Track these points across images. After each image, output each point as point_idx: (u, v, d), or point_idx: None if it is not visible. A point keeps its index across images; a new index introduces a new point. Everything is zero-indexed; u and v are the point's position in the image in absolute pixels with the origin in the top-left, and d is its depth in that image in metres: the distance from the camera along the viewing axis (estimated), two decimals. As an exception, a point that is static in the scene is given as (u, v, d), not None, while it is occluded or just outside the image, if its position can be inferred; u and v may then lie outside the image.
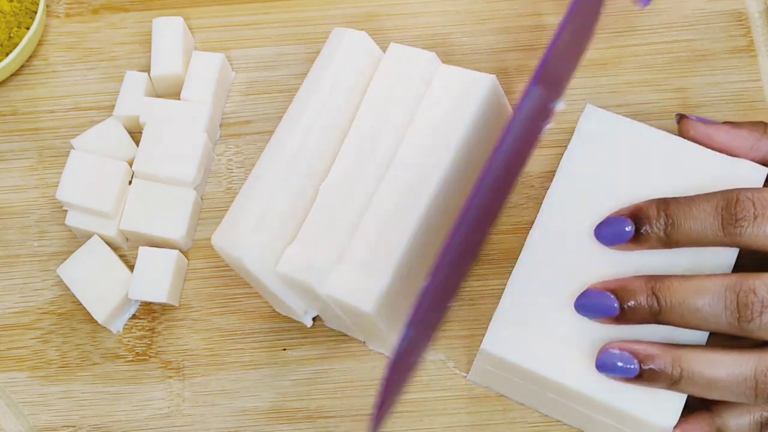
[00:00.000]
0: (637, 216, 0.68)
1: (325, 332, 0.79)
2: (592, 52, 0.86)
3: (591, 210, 0.71)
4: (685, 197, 0.67)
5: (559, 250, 0.70)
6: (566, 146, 0.73)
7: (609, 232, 0.69)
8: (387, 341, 0.75)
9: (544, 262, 0.70)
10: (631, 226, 0.67)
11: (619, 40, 0.86)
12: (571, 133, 0.74)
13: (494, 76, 0.75)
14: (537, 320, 0.69)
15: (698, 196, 0.67)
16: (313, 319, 0.79)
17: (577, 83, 0.85)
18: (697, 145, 0.73)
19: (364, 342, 0.79)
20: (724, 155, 0.72)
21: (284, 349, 0.79)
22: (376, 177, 0.74)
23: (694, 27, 0.87)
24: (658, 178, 0.71)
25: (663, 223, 0.66)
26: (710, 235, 0.66)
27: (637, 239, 0.68)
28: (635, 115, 0.83)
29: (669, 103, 0.84)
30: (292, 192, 0.74)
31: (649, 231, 0.67)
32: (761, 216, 0.64)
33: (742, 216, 0.65)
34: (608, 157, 0.73)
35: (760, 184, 0.71)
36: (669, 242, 0.67)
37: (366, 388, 0.78)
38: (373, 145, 0.74)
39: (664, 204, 0.67)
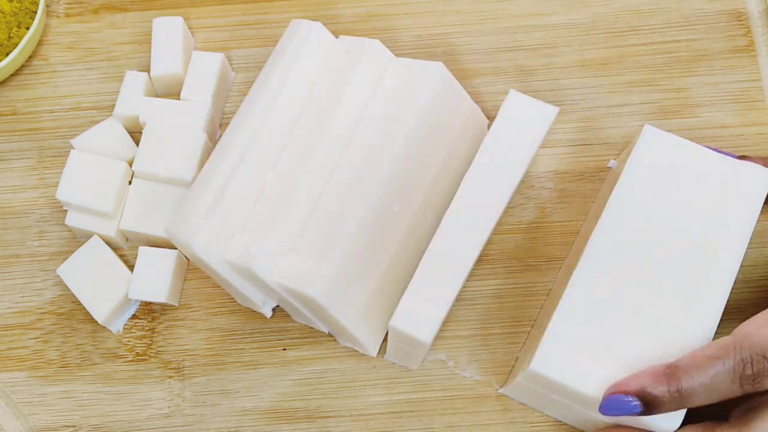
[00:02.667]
0: (644, 397, 0.64)
1: (324, 332, 0.80)
2: (593, 52, 0.86)
3: (644, 232, 0.71)
4: (694, 364, 0.65)
5: (610, 272, 0.70)
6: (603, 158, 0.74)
7: (615, 412, 0.65)
8: (347, 334, 0.75)
9: (595, 283, 0.70)
10: (637, 403, 0.65)
11: (619, 40, 0.86)
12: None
13: (441, 63, 0.75)
14: (586, 341, 0.68)
15: (709, 361, 0.64)
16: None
17: (578, 83, 0.85)
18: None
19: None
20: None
21: (284, 349, 0.79)
22: (323, 166, 0.74)
23: (694, 27, 0.87)
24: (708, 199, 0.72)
25: (676, 399, 0.64)
26: (726, 394, 0.65)
27: (648, 411, 0.65)
28: (635, 115, 0.83)
29: (669, 103, 0.84)
30: (244, 181, 0.74)
31: (660, 406, 0.65)
32: None
33: (760, 374, 0.64)
34: (665, 179, 0.72)
35: (765, 186, 0.72)
36: (681, 407, 0.65)
37: (366, 387, 0.78)
38: (321, 134, 0.75)
39: (674, 380, 0.64)
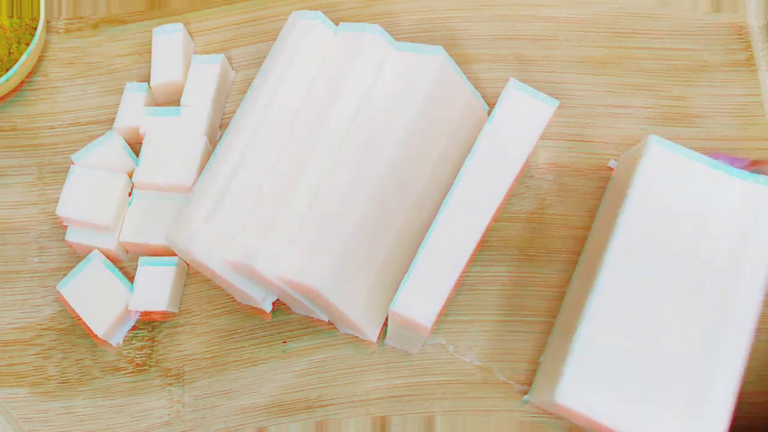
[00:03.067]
0: None
1: (324, 320, 0.79)
2: (592, 50, 0.86)
3: (660, 257, 0.70)
4: None
5: (627, 297, 0.69)
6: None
7: None
8: (348, 322, 0.74)
9: (612, 310, 0.69)
10: None
11: (618, 41, 0.87)
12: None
13: (441, 47, 0.75)
14: (608, 372, 0.67)
15: None
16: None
17: (577, 80, 0.85)
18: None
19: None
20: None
21: (284, 342, 0.79)
22: (324, 158, 0.74)
23: (695, 37, 0.87)
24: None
25: None
26: None
27: None
28: (634, 118, 0.83)
29: (668, 110, 0.84)
30: (244, 182, 0.74)
31: None
32: None
33: None
34: (675, 197, 0.71)
35: None
36: None
37: (365, 373, 0.78)
38: (322, 128, 0.74)
39: None
